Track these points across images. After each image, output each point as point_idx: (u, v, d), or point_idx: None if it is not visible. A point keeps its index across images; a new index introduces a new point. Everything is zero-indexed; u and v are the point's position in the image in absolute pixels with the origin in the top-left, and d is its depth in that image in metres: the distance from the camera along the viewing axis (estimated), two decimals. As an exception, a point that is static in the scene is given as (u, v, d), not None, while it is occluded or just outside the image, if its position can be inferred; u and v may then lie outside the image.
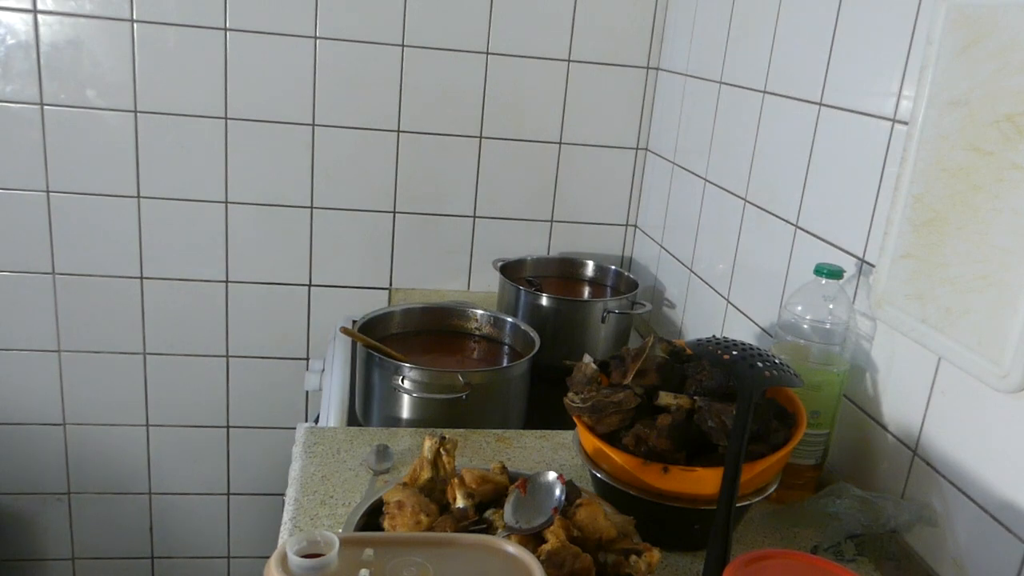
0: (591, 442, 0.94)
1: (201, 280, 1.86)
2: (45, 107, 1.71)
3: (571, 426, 0.99)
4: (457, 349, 1.46)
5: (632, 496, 0.89)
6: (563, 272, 1.87)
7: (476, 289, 1.97)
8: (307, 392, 1.96)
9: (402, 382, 1.22)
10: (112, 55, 1.69)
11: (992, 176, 0.85)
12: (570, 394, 0.97)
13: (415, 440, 1.15)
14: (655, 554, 0.77)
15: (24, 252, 1.79)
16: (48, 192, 1.76)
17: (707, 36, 1.64)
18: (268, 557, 0.62)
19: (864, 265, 1.09)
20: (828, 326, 1.06)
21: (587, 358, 1.01)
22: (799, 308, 1.08)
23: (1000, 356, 0.82)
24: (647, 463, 0.88)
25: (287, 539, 0.62)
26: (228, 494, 2.06)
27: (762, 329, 1.36)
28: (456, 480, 0.84)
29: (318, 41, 1.75)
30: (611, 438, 0.93)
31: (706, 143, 1.62)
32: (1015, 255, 0.82)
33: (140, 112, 1.74)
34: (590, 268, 1.86)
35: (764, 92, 1.38)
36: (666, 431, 0.90)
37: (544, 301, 1.59)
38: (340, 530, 0.88)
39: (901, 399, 1.02)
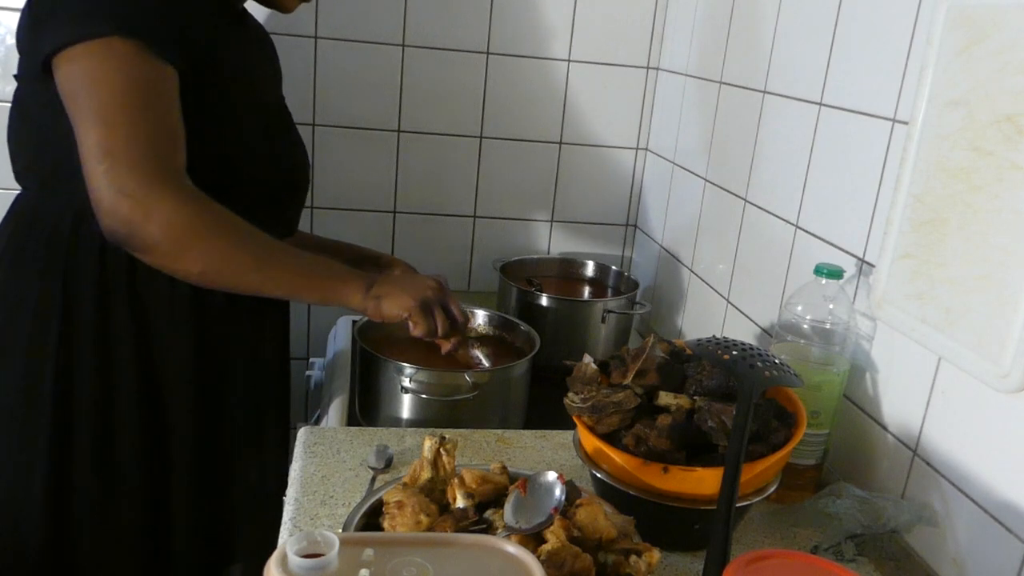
0: (591, 442, 0.94)
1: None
2: (45, 107, 1.71)
3: (571, 426, 0.99)
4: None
5: (632, 496, 0.89)
6: (563, 272, 1.87)
7: (476, 289, 1.97)
8: (307, 392, 1.96)
9: (408, 383, 1.22)
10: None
11: (992, 176, 0.85)
12: (570, 394, 0.97)
13: (415, 440, 1.15)
14: (655, 554, 0.77)
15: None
16: (48, 192, 1.75)
17: (707, 36, 1.64)
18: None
19: (864, 265, 1.09)
20: (828, 326, 1.06)
21: (587, 358, 1.01)
22: (799, 308, 1.08)
23: (1000, 356, 0.82)
24: (647, 463, 0.88)
25: (287, 539, 0.62)
26: (228, 494, 2.06)
27: (762, 329, 1.36)
28: (456, 480, 0.84)
29: (318, 41, 1.75)
30: (611, 438, 0.93)
31: (706, 143, 1.62)
32: (1015, 255, 0.82)
33: (140, 112, 1.73)
34: (590, 268, 1.86)
35: (764, 92, 1.38)
36: (666, 431, 0.90)
37: (544, 301, 1.59)
38: (340, 530, 0.88)
39: (901, 399, 1.02)
